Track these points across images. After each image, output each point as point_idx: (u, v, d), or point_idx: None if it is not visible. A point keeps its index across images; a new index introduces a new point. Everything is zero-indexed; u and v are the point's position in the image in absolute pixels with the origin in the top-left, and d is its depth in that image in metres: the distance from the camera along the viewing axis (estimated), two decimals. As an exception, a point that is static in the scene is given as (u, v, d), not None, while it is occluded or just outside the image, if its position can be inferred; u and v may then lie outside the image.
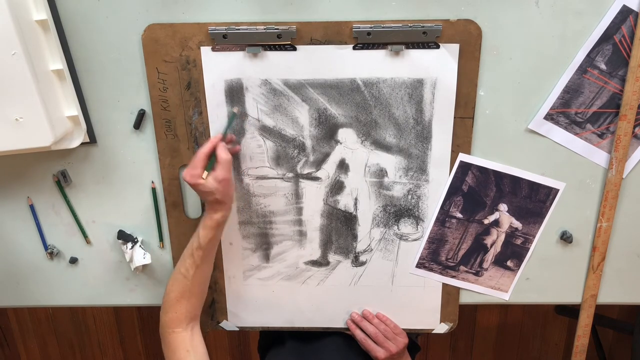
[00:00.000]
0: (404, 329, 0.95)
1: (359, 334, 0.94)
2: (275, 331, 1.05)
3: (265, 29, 0.77)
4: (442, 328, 0.97)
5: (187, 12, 0.77)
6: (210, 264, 0.85)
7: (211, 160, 0.77)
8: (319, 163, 0.85)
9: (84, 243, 0.92)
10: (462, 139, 0.83)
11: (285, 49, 0.78)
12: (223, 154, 0.76)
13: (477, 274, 0.92)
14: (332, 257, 0.92)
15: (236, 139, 0.84)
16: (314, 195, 0.87)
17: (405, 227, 0.89)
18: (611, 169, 0.83)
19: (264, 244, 0.91)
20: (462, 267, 0.92)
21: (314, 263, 0.92)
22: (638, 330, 1.28)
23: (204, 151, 0.76)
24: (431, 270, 0.92)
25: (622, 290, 0.93)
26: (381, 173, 0.85)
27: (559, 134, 0.82)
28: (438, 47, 0.77)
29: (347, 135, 0.83)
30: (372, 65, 0.78)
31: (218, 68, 0.79)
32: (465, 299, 0.95)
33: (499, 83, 0.79)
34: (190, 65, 0.79)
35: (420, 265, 0.92)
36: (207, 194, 0.77)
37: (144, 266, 0.91)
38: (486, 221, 0.88)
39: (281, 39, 0.77)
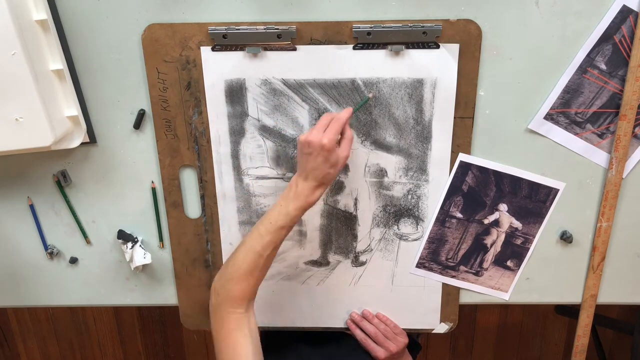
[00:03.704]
0: (404, 329, 0.95)
1: (359, 334, 0.94)
2: (278, 334, 1.05)
3: (265, 29, 0.77)
4: (442, 328, 0.97)
5: (187, 12, 0.77)
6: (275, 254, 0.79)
7: None
8: (319, 163, 0.85)
9: (84, 243, 0.92)
10: (462, 139, 0.83)
11: (285, 49, 0.78)
12: (350, 131, 0.75)
13: (477, 274, 0.92)
14: (332, 257, 0.92)
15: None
16: (314, 195, 0.87)
17: (405, 227, 0.89)
18: (611, 169, 0.83)
19: (264, 244, 0.91)
20: (462, 267, 0.92)
21: (314, 263, 0.92)
22: (638, 330, 1.28)
23: (342, 120, 0.73)
24: (431, 270, 0.92)
25: (622, 290, 0.93)
26: (381, 173, 0.85)
27: (559, 134, 0.82)
28: (438, 47, 0.77)
29: (347, 135, 0.83)
30: (372, 65, 0.78)
31: (218, 68, 0.79)
32: (465, 299, 0.95)
33: (499, 83, 0.79)
34: (190, 65, 0.79)
35: (420, 265, 0.92)
36: (332, 165, 0.72)
37: (144, 266, 0.91)
38: (486, 221, 0.88)
39: (281, 39, 0.77)
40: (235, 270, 0.76)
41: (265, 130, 0.83)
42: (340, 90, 0.80)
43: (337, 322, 0.97)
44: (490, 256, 0.91)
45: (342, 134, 0.75)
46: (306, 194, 0.74)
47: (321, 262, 0.92)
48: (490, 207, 0.87)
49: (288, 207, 0.75)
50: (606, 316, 1.55)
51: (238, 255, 0.77)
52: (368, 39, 0.77)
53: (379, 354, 0.92)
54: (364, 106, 0.80)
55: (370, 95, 0.79)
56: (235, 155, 0.85)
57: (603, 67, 0.78)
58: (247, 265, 0.76)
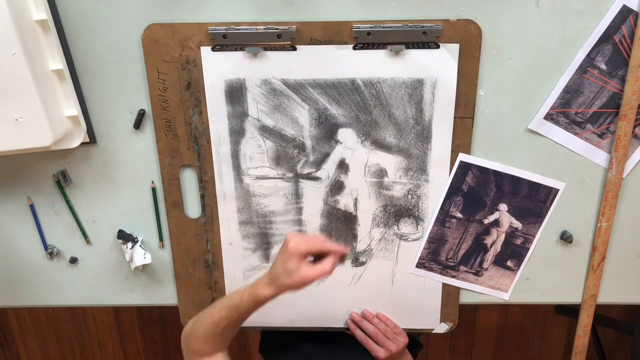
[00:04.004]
0: (404, 329, 0.95)
1: (359, 334, 0.94)
2: (281, 333, 1.05)
3: (265, 29, 0.77)
4: (442, 328, 0.97)
5: (187, 12, 0.77)
6: (235, 331, 0.79)
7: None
8: (319, 163, 0.85)
9: (84, 243, 0.92)
10: (462, 139, 0.83)
11: (285, 49, 0.78)
12: (329, 265, 0.69)
13: (477, 273, 0.92)
14: (332, 257, 0.92)
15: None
16: (314, 195, 0.87)
17: (405, 227, 0.89)
18: (611, 169, 0.83)
19: (264, 244, 0.91)
20: (462, 267, 0.92)
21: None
22: (638, 330, 1.28)
23: (328, 245, 0.70)
24: (431, 270, 0.92)
25: (622, 290, 0.93)
26: (381, 173, 0.85)
27: (559, 134, 0.82)
28: (438, 47, 0.77)
29: (347, 135, 0.83)
30: (372, 65, 0.78)
31: (218, 68, 0.79)
32: (465, 299, 0.95)
33: (499, 83, 0.79)
34: (190, 65, 0.79)
35: (420, 265, 0.92)
36: (286, 271, 0.69)
37: (144, 266, 0.91)
38: (486, 221, 0.88)
39: (281, 39, 0.77)
40: (198, 329, 0.77)
41: (265, 130, 0.83)
42: (340, 90, 0.80)
43: (337, 322, 0.97)
44: (490, 256, 0.91)
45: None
46: (259, 286, 0.71)
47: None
48: (490, 207, 0.87)
49: (245, 293, 0.72)
50: (606, 316, 1.55)
51: (201, 317, 0.77)
52: (368, 39, 0.77)
53: (380, 354, 0.92)
54: (364, 106, 0.81)
55: (347, 251, 0.74)
56: (235, 155, 0.85)
57: (603, 67, 0.78)
58: (204, 329, 0.76)
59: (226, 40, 0.77)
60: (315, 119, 0.82)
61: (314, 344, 1.01)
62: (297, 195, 0.87)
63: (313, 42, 0.77)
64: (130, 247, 0.90)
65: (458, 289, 0.94)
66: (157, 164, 0.86)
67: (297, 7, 0.76)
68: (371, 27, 0.76)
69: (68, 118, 0.79)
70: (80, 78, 0.81)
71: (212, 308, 0.77)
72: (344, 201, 0.88)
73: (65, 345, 1.93)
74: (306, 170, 0.86)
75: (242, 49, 0.78)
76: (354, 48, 0.77)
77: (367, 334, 0.94)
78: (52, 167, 0.87)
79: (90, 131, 0.84)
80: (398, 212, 0.88)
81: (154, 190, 0.88)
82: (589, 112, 0.81)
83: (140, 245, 0.90)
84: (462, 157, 0.84)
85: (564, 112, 0.81)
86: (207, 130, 0.83)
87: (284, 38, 0.77)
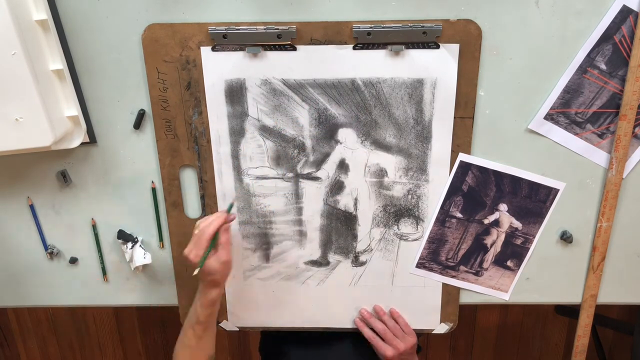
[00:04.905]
0: (403, 329, 0.95)
1: (367, 332, 0.94)
2: (278, 337, 1.05)
3: (265, 29, 0.77)
4: (442, 328, 0.97)
5: (187, 12, 0.77)
6: (213, 329, 0.86)
7: (213, 239, 0.78)
8: (319, 163, 0.85)
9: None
10: (462, 139, 0.83)
11: (285, 49, 0.78)
12: (225, 237, 0.78)
13: (477, 274, 0.92)
14: (332, 257, 0.92)
15: (234, 216, 0.87)
16: (314, 195, 0.87)
17: (405, 227, 0.89)
18: (611, 169, 0.83)
19: (264, 244, 0.91)
20: (462, 267, 0.92)
21: (314, 263, 0.92)
22: (638, 330, 1.28)
23: (209, 232, 0.77)
24: (431, 270, 0.92)
25: (622, 290, 0.93)
26: (381, 173, 0.85)
27: (559, 134, 0.82)
28: (438, 47, 0.77)
29: (347, 135, 0.83)
30: (372, 65, 0.78)
31: (218, 68, 0.79)
32: (465, 299, 0.95)
33: (499, 83, 0.79)
34: (190, 65, 0.79)
35: (420, 265, 0.92)
36: (207, 274, 0.78)
37: (144, 266, 0.91)
38: (486, 221, 0.88)
39: (281, 39, 0.77)
40: (175, 358, 0.87)
41: (265, 130, 0.83)
42: (340, 90, 0.80)
43: (337, 322, 0.97)
44: (490, 256, 0.91)
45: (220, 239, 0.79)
46: (203, 293, 0.81)
47: (321, 262, 0.92)
48: (490, 207, 0.87)
49: (196, 305, 0.82)
50: (606, 316, 1.55)
51: (177, 346, 0.87)
52: (368, 39, 0.77)
53: (387, 352, 0.91)
54: (364, 106, 0.81)
55: (233, 200, 0.86)
56: (235, 155, 0.85)
57: (603, 67, 0.78)
58: (182, 355, 0.85)
59: (226, 40, 0.77)
60: (315, 119, 0.82)
61: (308, 349, 1.01)
62: (297, 195, 0.87)
63: (313, 42, 0.77)
64: (130, 247, 0.90)
65: (458, 289, 0.94)
66: (157, 164, 0.86)
67: (297, 7, 0.76)
68: (371, 27, 0.76)
69: (68, 118, 0.79)
70: (80, 78, 0.81)
71: (180, 340, 0.86)
72: (344, 201, 0.88)
73: (65, 345, 1.93)
74: (306, 170, 0.86)
75: (242, 49, 0.78)
76: (354, 48, 0.77)
77: (376, 332, 0.93)
78: (52, 167, 0.87)
79: (90, 131, 0.84)
80: (398, 212, 0.88)
81: (154, 190, 0.88)
82: (589, 112, 0.81)
83: (140, 246, 0.90)
84: (462, 157, 0.84)
85: (564, 112, 0.81)
86: (207, 130, 0.83)
87: (284, 38, 0.77)
